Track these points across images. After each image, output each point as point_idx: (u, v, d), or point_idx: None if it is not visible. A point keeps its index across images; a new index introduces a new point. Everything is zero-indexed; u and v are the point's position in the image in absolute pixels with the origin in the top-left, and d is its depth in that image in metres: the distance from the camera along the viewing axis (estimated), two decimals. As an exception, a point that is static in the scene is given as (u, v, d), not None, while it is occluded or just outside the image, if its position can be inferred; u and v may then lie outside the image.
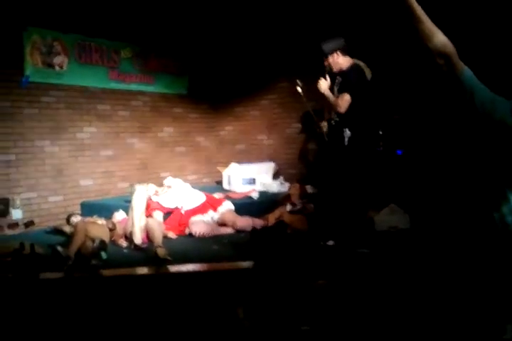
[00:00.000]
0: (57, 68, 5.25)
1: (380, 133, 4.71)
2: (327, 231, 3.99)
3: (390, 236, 3.99)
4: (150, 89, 6.31)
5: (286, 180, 6.02)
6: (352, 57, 4.00)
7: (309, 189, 5.12)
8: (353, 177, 3.88)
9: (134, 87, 6.09)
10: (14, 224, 4.75)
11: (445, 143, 4.33)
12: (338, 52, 3.94)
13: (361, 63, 3.97)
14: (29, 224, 4.82)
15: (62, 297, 3.09)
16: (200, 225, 4.48)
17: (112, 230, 4.19)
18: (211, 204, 4.81)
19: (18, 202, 4.83)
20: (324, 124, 4.25)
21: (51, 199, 5.17)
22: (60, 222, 4.84)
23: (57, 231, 4.60)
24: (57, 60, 5.26)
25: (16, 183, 4.88)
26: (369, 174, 3.97)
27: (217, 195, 5.21)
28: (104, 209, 4.87)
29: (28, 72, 4.97)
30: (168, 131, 6.55)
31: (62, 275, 3.36)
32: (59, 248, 3.56)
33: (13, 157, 4.87)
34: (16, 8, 4.77)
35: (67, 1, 5.04)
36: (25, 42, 4.94)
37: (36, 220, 4.94)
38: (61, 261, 3.46)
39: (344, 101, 3.82)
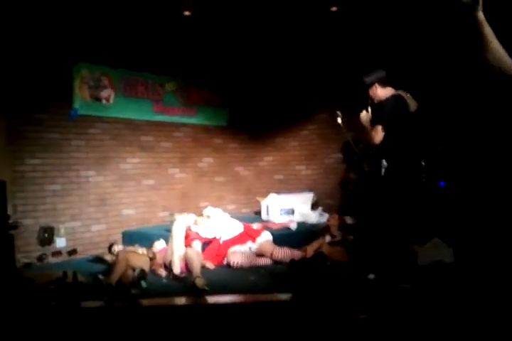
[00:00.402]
0: (104, 101, 5.49)
1: (423, 164, 4.64)
2: (368, 264, 3.90)
3: (433, 270, 3.85)
4: (192, 121, 6.48)
5: (325, 210, 5.97)
6: (397, 88, 4.02)
7: (349, 220, 5.04)
8: (393, 208, 3.81)
9: (176, 119, 6.28)
10: (58, 253, 4.89)
11: (490, 175, 4.21)
12: (377, 85, 4.00)
13: (406, 95, 3.98)
14: (72, 252, 4.95)
15: (103, 326, 3.13)
16: (238, 256, 4.47)
17: (151, 259, 4.24)
18: (249, 235, 4.80)
19: (62, 230, 4.99)
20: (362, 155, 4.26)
21: (94, 228, 5.31)
22: (101, 251, 4.96)
23: (99, 259, 4.70)
24: (105, 93, 5.50)
25: (61, 212, 5.04)
26: (410, 206, 3.89)
27: (255, 226, 5.21)
28: (145, 238, 4.96)
29: (76, 105, 5.21)
30: (207, 161, 6.68)
31: (103, 304, 3.39)
32: (100, 277, 3.64)
33: (59, 187, 5.05)
34: (67, 43, 5.06)
35: (115, 37, 5.31)
36: (75, 77, 5.21)
37: (79, 249, 5.08)
38: (102, 290, 3.51)
39: (376, 132, 3.83)
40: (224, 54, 6.34)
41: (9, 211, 4.41)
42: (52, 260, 4.81)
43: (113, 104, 5.58)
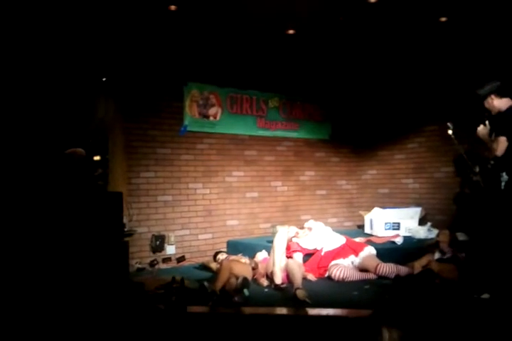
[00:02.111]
0: (211, 118, 5.79)
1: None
2: (481, 282, 3.62)
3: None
4: (294, 135, 6.57)
5: (434, 226, 5.64)
6: None
7: (461, 236, 4.72)
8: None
9: (279, 133, 6.41)
10: (168, 259, 5.19)
11: None
12: (493, 96, 3.86)
13: None
14: (181, 259, 5.22)
15: (206, 331, 3.24)
16: (341, 269, 4.38)
17: (254, 269, 4.32)
18: (352, 249, 4.69)
19: (172, 238, 5.31)
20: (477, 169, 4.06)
21: (201, 237, 5.57)
22: (207, 259, 5.16)
23: (204, 267, 4.91)
24: (212, 111, 5.80)
25: (172, 221, 5.37)
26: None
27: (358, 239, 5.09)
28: (248, 248, 5.09)
29: (186, 122, 5.56)
30: (309, 174, 6.69)
31: (208, 309, 3.52)
32: (206, 284, 3.77)
33: (170, 198, 5.39)
34: (178, 65, 5.44)
35: (222, 57, 5.59)
36: (185, 96, 5.57)
37: (187, 256, 5.35)
38: (207, 296, 3.64)
39: (499, 143, 3.67)
40: (326, 68, 6.36)
41: (125, 220, 4.80)
42: (162, 266, 5.12)
43: (220, 120, 5.85)
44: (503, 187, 3.65)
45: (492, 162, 3.78)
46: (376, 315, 2.75)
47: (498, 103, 3.83)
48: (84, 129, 4.54)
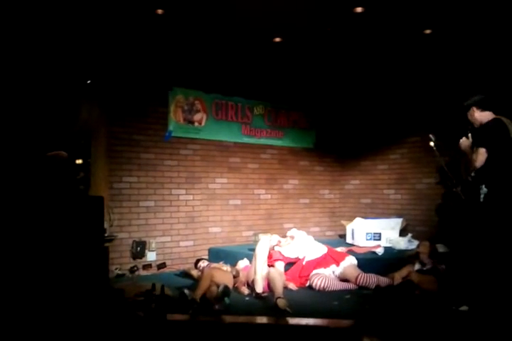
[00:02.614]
0: (196, 124, 5.77)
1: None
2: (460, 294, 3.65)
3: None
4: (278, 143, 6.58)
5: (415, 237, 5.69)
6: (499, 114, 3.87)
7: (441, 248, 4.76)
8: (493, 237, 3.58)
9: (263, 141, 6.42)
10: (148, 265, 5.12)
11: None
12: (475, 108, 3.91)
13: (506, 120, 3.82)
14: (161, 266, 5.16)
15: (185, 339, 3.20)
16: (322, 278, 4.38)
17: (235, 277, 4.30)
18: (333, 258, 4.70)
19: (153, 245, 5.26)
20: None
21: (182, 243, 5.52)
22: (188, 266, 5.12)
23: (185, 274, 4.86)
24: (197, 117, 5.79)
25: (153, 227, 5.31)
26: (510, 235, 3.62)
27: (340, 249, 5.10)
28: (229, 256, 5.06)
29: (171, 127, 5.53)
30: (293, 183, 6.70)
31: (188, 317, 3.48)
32: (186, 291, 3.73)
33: (152, 203, 5.34)
34: (163, 70, 5.43)
35: (208, 63, 5.60)
36: (170, 101, 5.55)
37: (168, 263, 5.27)
38: (187, 304, 3.61)
39: (478, 155, 3.71)
40: (312, 77, 6.41)
41: (106, 225, 4.73)
42: (142, 272, 5.05)
43: (204, 126, 5.84)
44: (482, 200, 3.68)
45: (472, 174, 3.81)
46: (358, 325, 2.76)
47: (480, 115, 3.88)
48: (68, 131, 4.48)
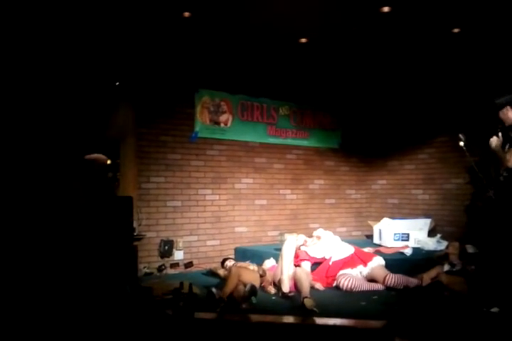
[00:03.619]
0: (222, 125, 5.82)
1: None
2: (491, 296, 3.59)
3: None
4: (304, 143, 6.58)
5: (444, 238, 5.60)
6: None
7: (470, 249, 4.68)
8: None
9: (289, 141, 6.42)
10: (175, 264, 5.19)
11: None
12: (509, 107, 3.86)
13: None
14: (188, 265, 5.22)
15: (213, 337, 3.23)
16: (349, 279, 4.36)
17: (262, 276, 4.31)
18: (361, 259, 4.67)
19: (180, 244, 5.33)
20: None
21: (209, 243, 5.58)
22: (215, 265, 5.15)
23: (212, 273, 4.90)
24: (223, 118, 5.84)
25: (180, 227, 5.38)
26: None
27: (367, 249, 5.06)
28: (256, 256, 5.09)
29: (197, 128, 5.59)
30: (319, 183, 6.69)
31: (215, 316, 3.52)
32: (214, 290, 3.76)
33: (179, 203, 5.41)
34: (190, 72, 5.49)
35: (234, 65, 5.63)
36: (196, 102, 5.61)
37: (195, 262, 5.34)
38: (215, 303, 3.64)
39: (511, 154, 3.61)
40: (337, 77, 6.38)
41: (135, 224, 4.81)
42: (170, 271, 5.12)
43: (230, 127, 5.88)
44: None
45: (505, 174, 3.76)
46: (389, 326, 2.74)
47: (510, 115, 3.82)
48: (103, 136, 4.58)
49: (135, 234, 4.82)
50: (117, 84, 4.93)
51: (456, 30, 4.66)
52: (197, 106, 5.61)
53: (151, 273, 4.93)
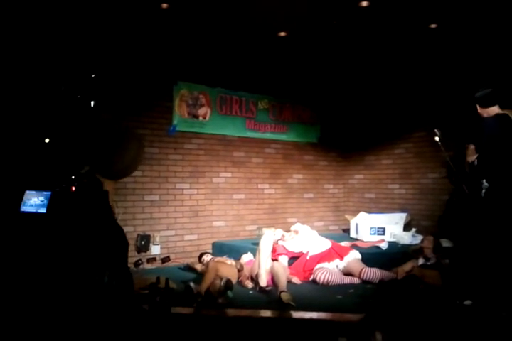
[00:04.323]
0: (200, 118, 5.77)
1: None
2: (464, 289, 3.66)
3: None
4: (283, 137, 6.58)
5: (419, 232, 5.69)
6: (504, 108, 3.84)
7: (445, 243, 4.76)
8: (495, 231, 3.58)
9: (268, 135, 6.41)
10: (152, 259, 5.16)
11: None
12: (477, 105, 3.88)
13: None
14: (165, 259, 5.19)
15: (189, 332, 3.22)
16: (325, 272, 4.40)
17: (239, 271, 4.32)
18: (337, 253, 4.71)
19: (157, 238, 5.28)
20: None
21: (186, 237, 5.54)
22: (192, 260, 5.14)
23: (189, 268, 4.88)
24: (202, 111, 5.79)
25: (158, 221, 5.34)
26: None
27: (343, 244, 5.11)
28: (233, 250, 5.09)
29: (175, 121, 5.53)
30: (297, 177, 6.71)
31: (192, 311, 3.51)
32: (192, 284, 3.75)
33: (157, 198, 5.36)
34: (168, 64, 5.42)
35: (213, 58, 5.58)
36: (175, 95, 5.55)
37: (172, 256, 5.31)
38: (192, 297, 3.63)
39: (469, 150, 3.77)
40: (317, 71, 6.39)
41: (111, 219, 4.74)
42: (147, 266, 5.09)
43: (209, 121, 5.84)
44: (483, 195, 3.67)
45: (471, 169, 3.84)
46: (369, 320, 2.77)
47: (481, 111, 3.84)
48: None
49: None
50: (93, 76, 4.81)
51: (433, 26, 4.70)
52: (175, 99, 5.55)
53: (127, 268, 4.87)
